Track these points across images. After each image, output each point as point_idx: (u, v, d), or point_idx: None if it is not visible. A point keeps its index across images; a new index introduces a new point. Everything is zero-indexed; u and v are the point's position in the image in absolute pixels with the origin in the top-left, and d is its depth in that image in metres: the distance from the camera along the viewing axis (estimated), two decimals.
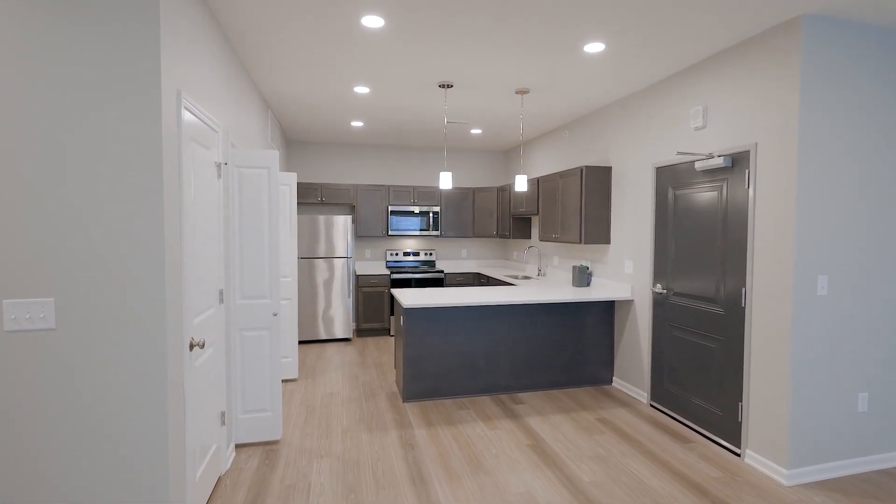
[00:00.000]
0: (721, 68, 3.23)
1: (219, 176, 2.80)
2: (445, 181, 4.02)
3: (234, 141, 3.25)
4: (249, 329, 3.22)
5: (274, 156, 3.22)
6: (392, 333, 6.47)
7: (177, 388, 2.07)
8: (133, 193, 1.88)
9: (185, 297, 2.16)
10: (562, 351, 4.40)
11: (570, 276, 5.32)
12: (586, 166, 4.47)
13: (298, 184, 6.36)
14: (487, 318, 4.20)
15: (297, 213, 6.75)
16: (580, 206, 4.52)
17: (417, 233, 6.72)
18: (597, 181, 4.52)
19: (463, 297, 4.13)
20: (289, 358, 4.58)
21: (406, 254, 7.01)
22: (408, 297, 4.05)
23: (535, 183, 5.49)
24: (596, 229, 4.54)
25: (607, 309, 4.49)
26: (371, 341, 6.20)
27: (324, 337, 6.12)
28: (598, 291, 4.51)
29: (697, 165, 3.34)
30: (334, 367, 5.06)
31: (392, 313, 6.46)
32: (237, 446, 3.24)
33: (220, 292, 2.84)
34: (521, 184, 4.21)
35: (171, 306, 2.00)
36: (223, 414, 2.86)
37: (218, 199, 2.80)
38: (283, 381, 4.59)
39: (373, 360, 5.37)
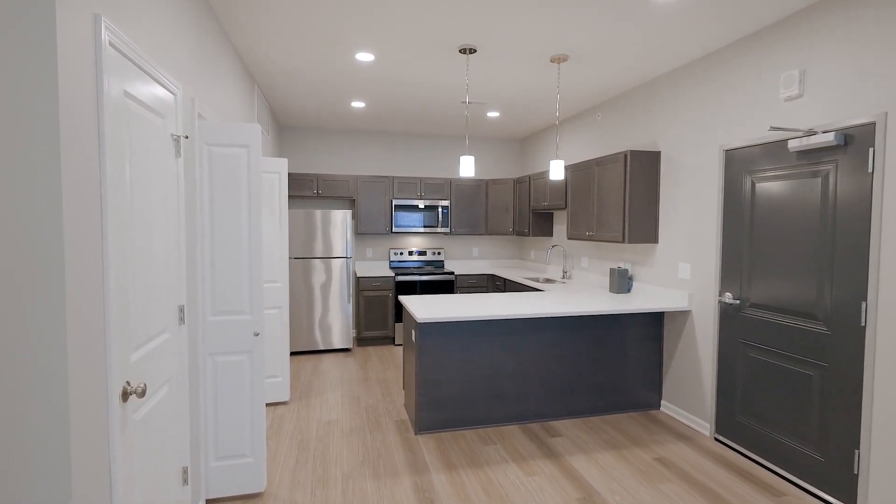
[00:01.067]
0: (828, 17, 2.53)
1: (177, 154, 2.09)
2: (467, 167, 3.32)
3: (207, 115, 2.54)
4: (224, 353, 2.51)
5: (254, 131, 2.51)
6: (397, 342, 5.78)
7: (96, 456, 1.37)
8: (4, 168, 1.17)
9: (110, 327, 1.45)
10: (601, 370, 3.71)
11: (601, 279, 4.63)
12: (631, 151, 3.77)
13: (292, 174, 5.65)
14: (515, 332, 3.50)
15: (290, 207, 6.03)
16: (624, 198, 3.82)
17: (424, 230, 6.02)
18: (643, 169, 3.82)
19: (487, 307, 3.43)
20: (278, 377, 3.88)
21: (412, 253, 6.31)
22: (421, 309, 3.35)
23: (563, 172, 4.79)
24: (641, 226, 3.84)
25: (655, 321, 3.80)
26: (373, 352, 5.50)
27: (321, 347, 5.42)
28: (643, 299, 3.81)
29: (792, 145, 2.64)
30: (332, 385, 4.36)
31: (397, 320, 5.76)
32: (209, 503, 2.54)
33: (181, 309, 2.14)
34: (556, 171, 3.50)
35: (81, 343, 1.30)
36: (185, 470, 2.16)
37: (177, 184, 2.09)
38: (272, 404, 3.89)
39: (376, 375, 4.67)
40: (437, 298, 3.79)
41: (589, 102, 4.67)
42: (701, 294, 3.42)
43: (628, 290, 4.18)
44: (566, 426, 3.53)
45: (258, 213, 2.52)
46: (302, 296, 5.33)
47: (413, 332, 3.41)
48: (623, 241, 3.83)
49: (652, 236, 3.87)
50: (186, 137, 2.13)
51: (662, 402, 3.83)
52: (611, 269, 4.20)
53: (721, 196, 3.23)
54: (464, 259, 6.59)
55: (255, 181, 2.50)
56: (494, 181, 6.16)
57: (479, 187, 6.23)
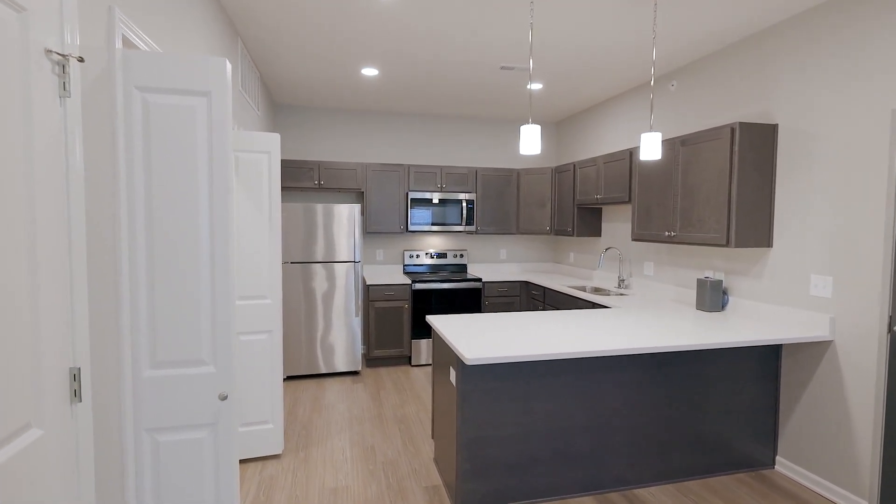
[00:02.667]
0: None
1: (63, 90, 1.14)
2: (530, 141, 2.35)
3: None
4: (171, 428, 1.56)
5: (217, 69, 1.55)
6: (414, 363, 4.83)
7: None
8: None
9: None
10: (699, 419, 2.76)
11: (676, 291, 3.68)
12: (741, 123, 2.82)
13: (289, 161, 4.69)
14: (588, 370, 2.56)
15: (285, 200, 5.08)
16: (729, 187, 2.87)
17: (445, 228, 5.06)
18: (754, 148, 2.86)
19: (555, 338, 2.48)
20: (268, 424, 2.93)
21: (430, 255, 5.35)
22: (463, 339, 2.40)
23: (623, 158, 3.83)
24: (751, 224, 2.89)
25: (768, 351, 2.85)
26: (386, 374, 4.56)
27: (322, 371, 4.47)
28: (752, 323, 2.87)
29: None
30: (338, 427, 3.41)
31: (415, 336, 4.81)
32: None
33: (74, 376, 1.19)
34: (651, 147, 2.52)
35: None
36: None
37: (64, 146, 1.14)
38: (261, 459, 2.95)
39: (393, 410, 3.72)
40: (478, 321, 2.84)
41: (663, 66, 3.71)
42: (851, 319, 2.47)
43: (721, 308, 3.23)
44: (658, 497, 2.58)
45: (226, 200, 1.56)
46: (300, 309, 4.38)
47: (452, 371, 2.47)
48: (727, 245, 2.88)
49: (763, 238, 2.92)
50: (81, 60, 1.17)
51: (778, 458, 2.89)
52: (699, 280, 3.25)
53: (894, 181, 2.27)
54: (489, 262, 5.64)
55: (221, 150, 1.55)
56: (528, 171, 5.20)
57: (508, 178, 5.27)
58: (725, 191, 2.88)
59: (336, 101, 4.85)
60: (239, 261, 2.75)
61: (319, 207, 4.38)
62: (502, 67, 3.70)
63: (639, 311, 3.24)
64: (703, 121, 3.45)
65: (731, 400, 2.81)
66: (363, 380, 4.43)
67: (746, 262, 3.11)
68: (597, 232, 4.75)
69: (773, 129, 2.88)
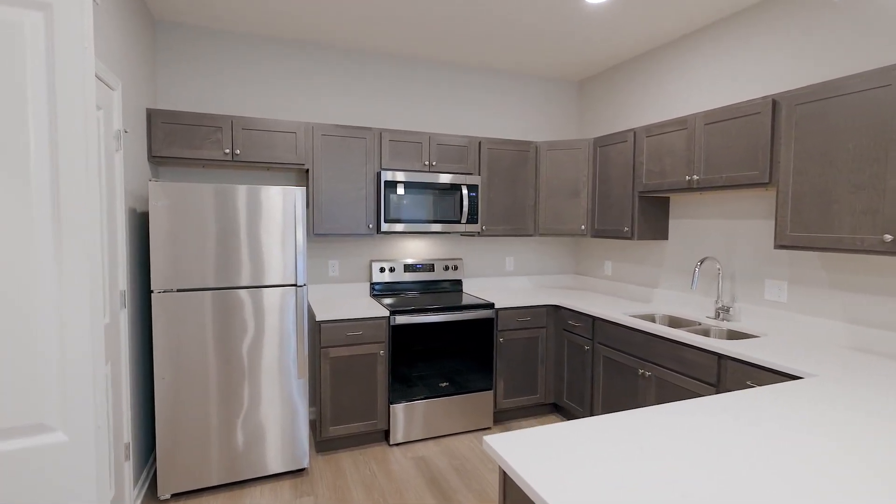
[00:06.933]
0: None
1: None
2: None
3: None
4: None
5: None
6: (394, 441, 3.06)
7: None
8: None
9: None
10: None
11: (839, 329, 2.23)
12: None
13: (182, 115, 2.75)
14: None
15: (173, 178, 3.07)
16: None
17: (435, 228, 3.33)
18: None
19: None
20: None
21: (411, 269, 3.60)
22: None
23: (756, 112, 2.32)
24: None
25: None
26: (352, 467, 2.76)
27: (245, 476, 2.60)
28: None
29: None
30: None
31: (394, 400, 3.04)
32: None
33: None
34: None
35: None
36: None
37: None
38: None
39: None
40: (609, 461, 1.17)
41: None
42: None
43: None
44: None
45: None
46: (202, 373, 2.48)
47: None
48: None
49: None
50: None
51: None
52: None
53: None
54: (492, 276, 3.98)
55: None
56: (552, 145, 3.61)
57: (525, 155, 3.64)
58: None
59: (264, 20, 2.98)
60: None
61: (241, 191, 2.50)
62: None
63: (848, 384, 1.72)
64: (887, 54, 2.01)
65: None
66: (313, 484, 2.61)
67: None
68: (662, 233, 3.25)
69: None
